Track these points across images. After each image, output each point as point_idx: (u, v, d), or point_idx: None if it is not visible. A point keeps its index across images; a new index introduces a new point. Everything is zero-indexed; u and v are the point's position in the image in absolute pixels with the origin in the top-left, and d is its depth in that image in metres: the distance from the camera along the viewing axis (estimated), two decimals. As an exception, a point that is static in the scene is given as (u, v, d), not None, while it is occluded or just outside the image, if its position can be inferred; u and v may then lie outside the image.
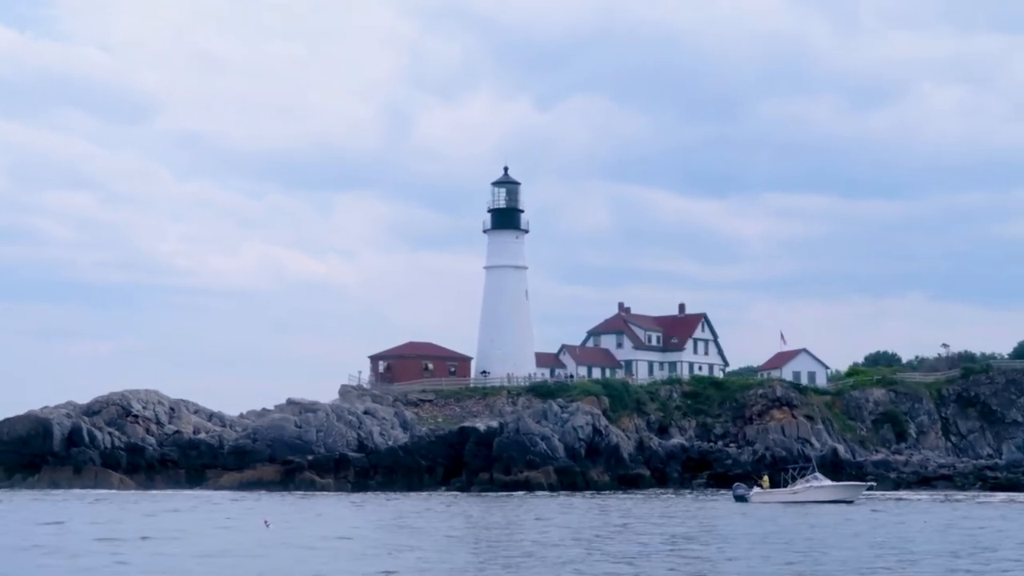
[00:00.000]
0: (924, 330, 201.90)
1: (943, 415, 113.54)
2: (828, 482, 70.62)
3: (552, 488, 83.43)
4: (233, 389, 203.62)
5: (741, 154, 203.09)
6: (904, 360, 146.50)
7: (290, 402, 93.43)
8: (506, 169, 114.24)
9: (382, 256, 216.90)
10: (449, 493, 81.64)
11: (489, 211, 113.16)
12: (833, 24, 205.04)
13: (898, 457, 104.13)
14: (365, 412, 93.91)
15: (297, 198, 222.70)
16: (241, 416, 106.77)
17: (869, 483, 75.25)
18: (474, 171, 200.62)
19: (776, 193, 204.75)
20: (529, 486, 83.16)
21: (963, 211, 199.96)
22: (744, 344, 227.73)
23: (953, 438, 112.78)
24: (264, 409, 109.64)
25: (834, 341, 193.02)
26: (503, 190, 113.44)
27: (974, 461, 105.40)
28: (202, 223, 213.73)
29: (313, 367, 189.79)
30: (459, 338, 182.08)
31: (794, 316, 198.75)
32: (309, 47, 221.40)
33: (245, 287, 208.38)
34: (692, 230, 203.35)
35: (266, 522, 47.92)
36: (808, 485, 69.07)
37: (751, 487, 70.89)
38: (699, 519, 54.37)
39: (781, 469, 76.87)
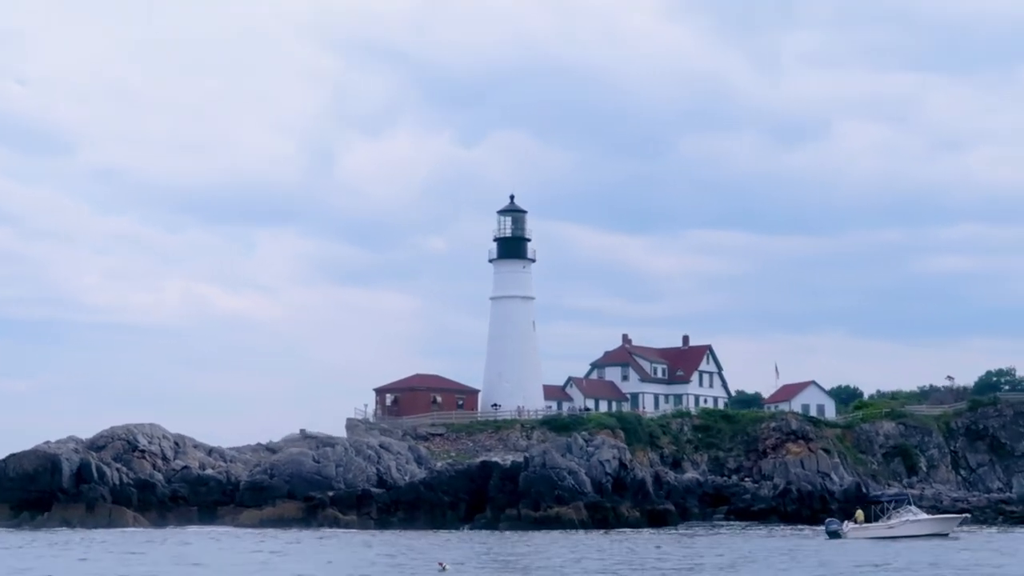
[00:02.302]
0: (845, 367, 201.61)
1: (952, 448, 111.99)
2: (924, 515, 68.51)
3: (583, 525, 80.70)
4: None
5: (663, 191, 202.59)
6: (867, 395, 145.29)
7: (305, 435, 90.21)
8: (512, 197, 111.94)
9: (305, 292, 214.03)
10: (477, 531, 78.74)
11: (495, 240, 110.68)
12: (753, 63, 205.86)
13: (912, 491, 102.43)
14: (380, 446, 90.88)
15: (217, 234, 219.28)
16: (237, 451, 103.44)
17: (963, 516, 73.33)
18: (397, 206, 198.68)
19: (697, 230, 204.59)
20: (560, 522, 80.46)
21: (881, 248, 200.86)
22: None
23: (963, 472, 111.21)
24: (259, 444, 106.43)
25: (757, 378, 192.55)
26: (508, 218, 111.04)
27: (986, 495, 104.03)
28: (122, 258, 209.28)
29: (238, 404, 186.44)
30: (394, 373, 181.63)
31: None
32: (229, 82, 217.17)
33: (164, 323, 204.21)
34: (614, 266, 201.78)
35: (441, 565, 44.61)
36: (904, 519, 66.87)
37: (842, 521, 68.66)
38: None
39: (872, 502, 74.45)
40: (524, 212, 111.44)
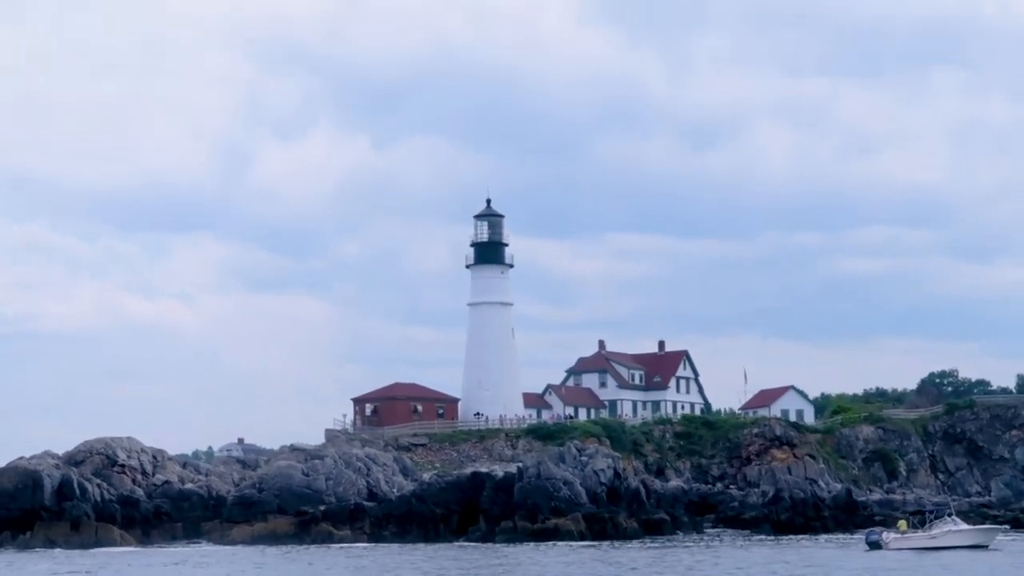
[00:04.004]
0: (761, 369, 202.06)
1: (930, 452, 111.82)
2: (966, 526, 67.48)
3: (582, 536, 78.82)
4: (72, 436, 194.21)
5: (580, 194, 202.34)
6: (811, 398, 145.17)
7: (293, 448, 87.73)
8: (488, 201, 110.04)
9: (219, 299, 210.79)
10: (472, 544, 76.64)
11: (472, 245, 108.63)
12: (666, 66, 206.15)
13: (896, 496, 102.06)
14: (367, 457, 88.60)
15: (132, 241, 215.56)
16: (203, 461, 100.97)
17: (1003, 527, 72.52)
18: (312, 211, 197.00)
19: (615, 233, 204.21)
20: (558, 534, 78.58)
21: (795, 251, 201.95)
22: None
23: (941, 475, 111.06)
24: (229, 456, 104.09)
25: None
26: (485, 223, 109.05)
27: (967, 499, 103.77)
28: (34, 267, 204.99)
29: (160, 413, 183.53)
30: (319, 381, 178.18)
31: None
32: (143, 87, 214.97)
33: (79, 332, 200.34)
34: (533, 270, 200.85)
35: None
36: (947, 529, 65.73)
37: (882, 532, 67.52)
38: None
39: (915, 512, 73.24)
40: (501, 216, 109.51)
